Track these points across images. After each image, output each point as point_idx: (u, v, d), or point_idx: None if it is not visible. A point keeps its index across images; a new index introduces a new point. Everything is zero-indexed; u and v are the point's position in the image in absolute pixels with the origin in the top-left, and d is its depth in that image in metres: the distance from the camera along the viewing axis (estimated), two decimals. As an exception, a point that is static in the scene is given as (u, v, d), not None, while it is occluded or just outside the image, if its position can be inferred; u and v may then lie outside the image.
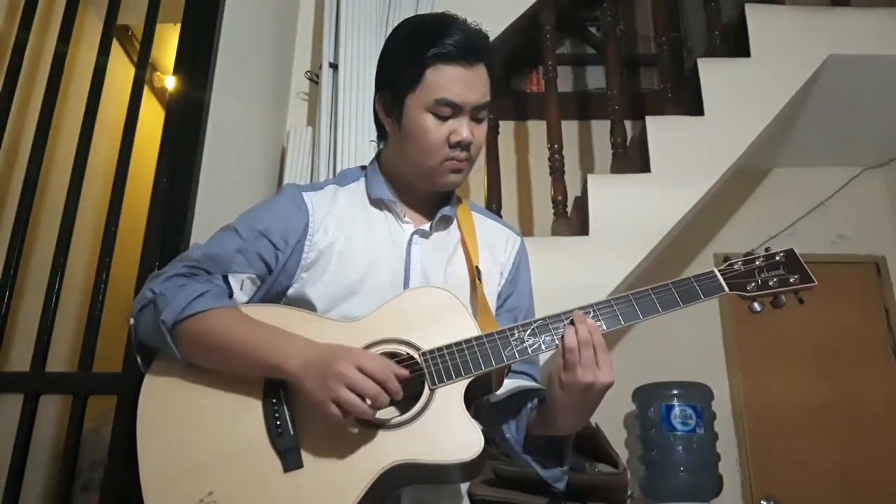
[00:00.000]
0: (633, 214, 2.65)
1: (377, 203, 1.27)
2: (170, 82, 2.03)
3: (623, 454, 3.17)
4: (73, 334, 2.17)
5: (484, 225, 1.34)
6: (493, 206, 2.90)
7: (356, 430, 1.04)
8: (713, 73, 2.91)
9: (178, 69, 1.93)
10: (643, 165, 2.81)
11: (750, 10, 3.03)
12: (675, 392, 3.03)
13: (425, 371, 1.07)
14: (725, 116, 2.82)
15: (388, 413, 1.06)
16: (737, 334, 3.44)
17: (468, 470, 1.05)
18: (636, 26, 4.17)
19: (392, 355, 1.08)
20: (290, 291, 1.20)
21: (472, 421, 1.05)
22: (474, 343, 1.10)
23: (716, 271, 1.17)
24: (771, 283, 1.16)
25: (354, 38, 2.53)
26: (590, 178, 2.78)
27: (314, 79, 2.68)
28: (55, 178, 2.12)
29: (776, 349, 3.41)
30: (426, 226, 1.27)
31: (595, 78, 3.98)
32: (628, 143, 3.02)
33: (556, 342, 1.10)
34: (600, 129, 3.73)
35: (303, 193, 1.25)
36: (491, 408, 1.23)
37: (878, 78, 3.07)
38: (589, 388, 1.08)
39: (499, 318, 1.26)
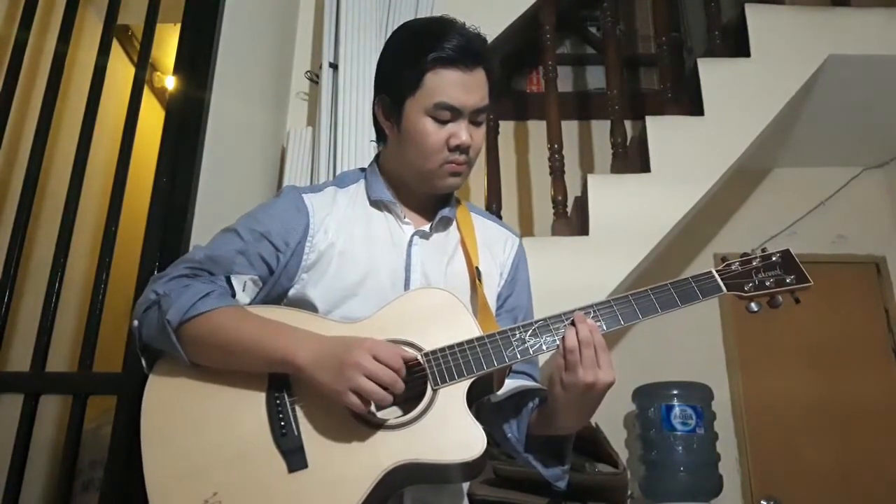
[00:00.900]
0: (633, 214, 2.65)
1: (377, 204, 1.28)
2: (170, 82, 2.03)
3: (623, 454, 3.17)
4: (73, 334, 2.18)
5: (483, 226, 1.35)
6: (493, 205, 2.90)
7: (361, 429, 1.04)
8: (713, 73, 2.91)
9: (178, 69, 1.93)
10: (643, 165, 2.81)
11: (750, 10, 3.03)
12: (674, 392, 3.03)
13: (428, 371, 1.08)
14: (725, 116, 2.82)
15: (391, 413, 1.06)
16: (737, 334, 3.44)
17: (471, 470, 1.05)
18: (636, 26, 4.17)
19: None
20: (291, 292, 1.20)
21: (475, 421, 1.06)
22: (476, 343, 1.10)
23: (714, 272, 1.18)
24: (767, 284, 1.17)
25: (354, 39, 2.53)
26: (590, 178, 2.78)
27: (314, 79, 2.68)
28: (55, 178, 2.12)
29: (776, 349, 3.41)
30: (426, 227, 1.27)
31: (595, 78, 3.98)
32: (628, 143, 3.02)
33: (557, 342, 1.10)
34: (600, 129, 3.73)
35: (302, 195, 1.25)
36: (492, 408, 1.24)
37: (878, 78, 3.08)
38: (590, 387, 1.08)
39: (499, 319, 1.27)
